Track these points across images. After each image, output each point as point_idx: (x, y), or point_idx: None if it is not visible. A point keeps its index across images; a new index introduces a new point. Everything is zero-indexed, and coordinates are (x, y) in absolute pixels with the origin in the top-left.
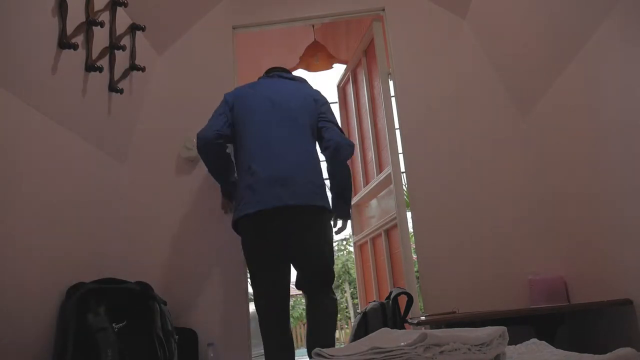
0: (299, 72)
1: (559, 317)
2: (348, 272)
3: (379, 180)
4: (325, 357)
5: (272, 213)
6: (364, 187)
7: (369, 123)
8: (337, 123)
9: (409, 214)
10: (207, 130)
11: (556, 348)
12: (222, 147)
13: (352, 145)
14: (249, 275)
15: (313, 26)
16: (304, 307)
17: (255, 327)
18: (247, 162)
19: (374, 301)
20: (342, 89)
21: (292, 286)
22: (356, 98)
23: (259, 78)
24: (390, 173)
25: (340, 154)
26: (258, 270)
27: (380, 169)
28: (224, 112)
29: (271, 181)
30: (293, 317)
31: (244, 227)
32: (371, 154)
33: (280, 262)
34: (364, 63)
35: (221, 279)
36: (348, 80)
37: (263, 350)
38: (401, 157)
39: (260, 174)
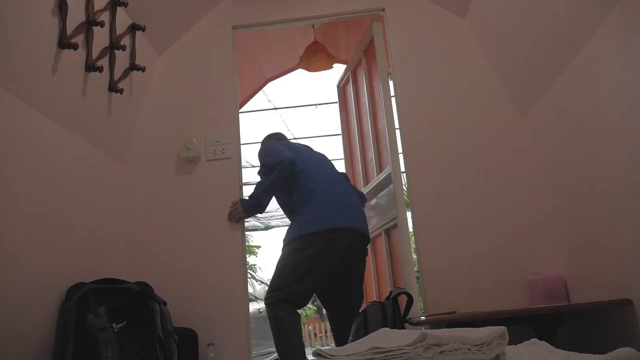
0: (299, 72)
1: (559, 317)
2: None
3: (379, 180)
4: (326, 357)
5: None
6: (364, 187)
7: (369, 123)
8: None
9: (409, 214)
10: (285, 153)
11: (556, 348)
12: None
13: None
14: None
15: (313, 26)
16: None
17: (255, 327)
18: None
19: (374, 301)
20: (342, 89)
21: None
22: (356, 98)
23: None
24: (390, 173)
25: None
26: None
27: (380, 169)
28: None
29: None
30: None
31: None
32: (371, 154)
33: None
34: (364, 63)
35: (221, 279)
36: (348, 80)
37: (263, 350)
38: (401, 157)
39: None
